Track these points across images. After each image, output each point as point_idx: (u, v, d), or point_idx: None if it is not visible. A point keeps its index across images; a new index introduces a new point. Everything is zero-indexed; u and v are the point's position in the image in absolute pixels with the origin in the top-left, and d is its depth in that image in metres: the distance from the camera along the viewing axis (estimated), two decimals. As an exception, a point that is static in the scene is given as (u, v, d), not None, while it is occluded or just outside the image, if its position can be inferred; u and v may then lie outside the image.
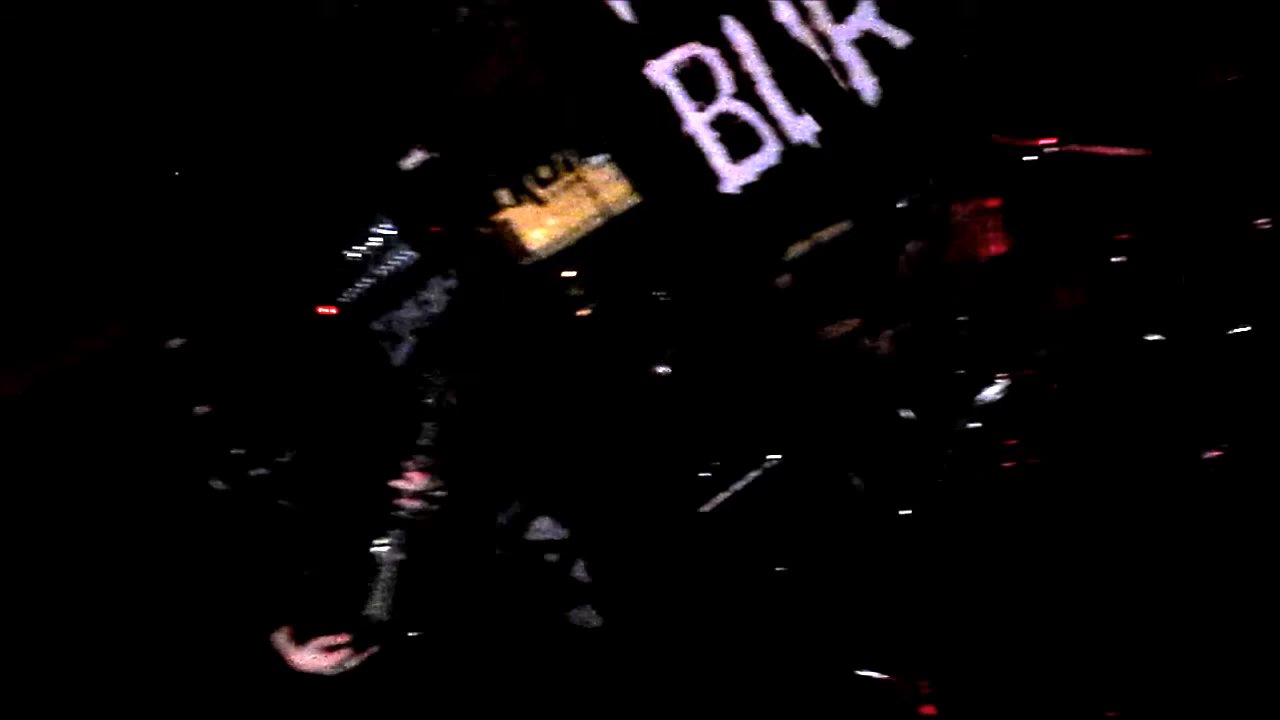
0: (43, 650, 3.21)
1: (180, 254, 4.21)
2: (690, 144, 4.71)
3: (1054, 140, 3.48)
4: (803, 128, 4.57)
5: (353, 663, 2.97)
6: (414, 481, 3.24)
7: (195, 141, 4.35)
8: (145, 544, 3.28)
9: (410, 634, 3.19)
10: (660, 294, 4.55)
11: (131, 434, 3.68)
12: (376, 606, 3.08)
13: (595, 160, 5.09)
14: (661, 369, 4.28)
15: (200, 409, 3.55)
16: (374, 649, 2.99)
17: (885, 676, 3.42)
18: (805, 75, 4.52)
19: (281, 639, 2.96)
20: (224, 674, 3.01)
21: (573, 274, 5.04)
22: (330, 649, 2.93)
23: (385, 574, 3.12)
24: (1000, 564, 3.52)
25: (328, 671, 2.95)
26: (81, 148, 4.16)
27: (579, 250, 5.03)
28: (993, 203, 3.82)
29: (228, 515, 3.38)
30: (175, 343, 3.90)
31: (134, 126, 4.33)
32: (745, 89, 4.61)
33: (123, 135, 4.31)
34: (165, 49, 4.22)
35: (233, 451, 3.51)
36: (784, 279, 4.50)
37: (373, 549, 3.16)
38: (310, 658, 2.93)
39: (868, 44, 4.42)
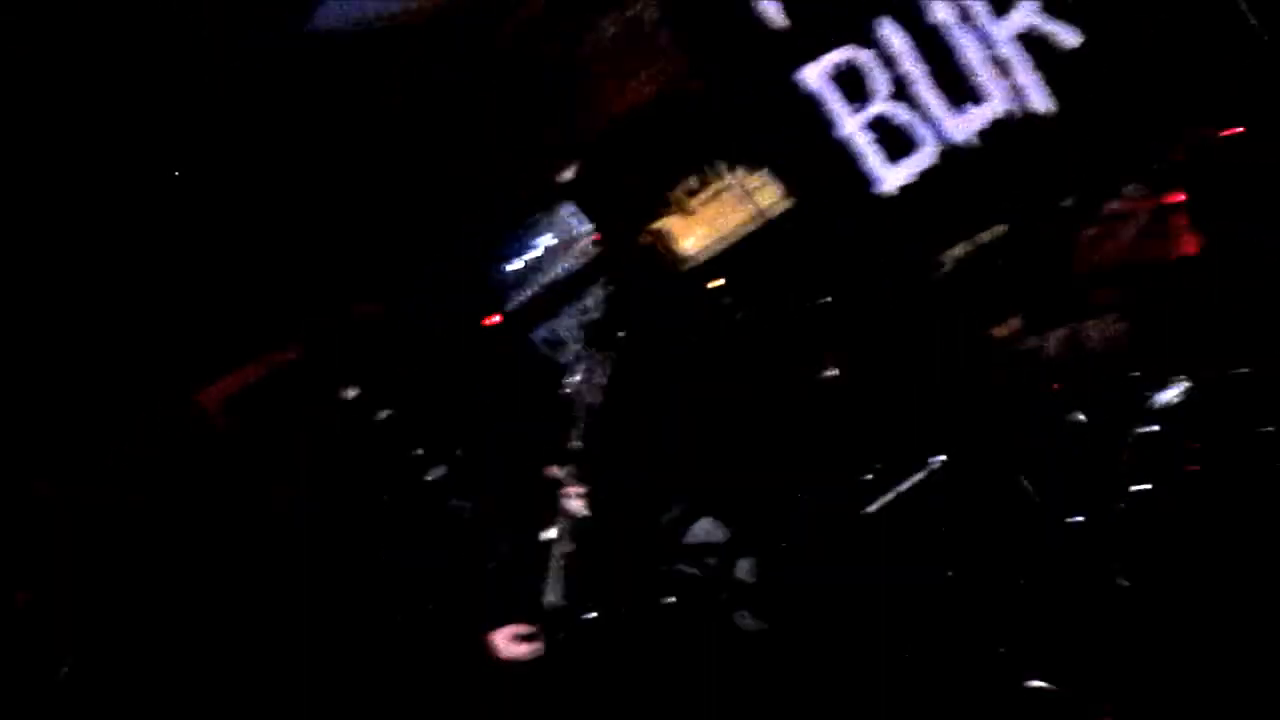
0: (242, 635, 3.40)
1: (356, 270, 4.39)
2: (845, 147, 4.69)
3: (1242, 129, 3.36)
4: (962, 127, 4.51)
5: (540, 649, 3.07)
6: (575, 481, 3.33)
7: (367, 159, 4.53)
8: (336, 542, 3.44)
9: (582, 620, 3.27)
10: (820, 299, 4.55)
11: (318, 441, 3.86)
12: (552, 596, 3.17)
13: (748, 167, 5.13)
14: (829, 372, 4.27)
15: (382, 413, 3.70)
16: (557, 635, 3.08)
17: (1056, 688, 3.35)
18: (964, 75, 4.47)
19: (489, 633, 3.06)
20: (414, 667, 3.13)
21: (724, 281, 5.09)
22: (522, 638, 3.03)
23: (556, 565, 3.21)
24: (1179, 574, 3.41)
25: (524, 658, 3.04)
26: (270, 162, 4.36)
27: (734, 256, 5.07)
28: (1176, 198, 3.70)
29: (411, 515, 3.53)
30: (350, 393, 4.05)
31: (307, 144, 4.53)
32: (902, 90, 4.57)
33: (292, 152, 4.51)
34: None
35: (413, 454, 3.64)
36: (945, 279, 4.45)
37: (543, 539, 3.25)
38: (509, 646, 3.03)
39: (1031, 41, 4.34)
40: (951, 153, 4.56)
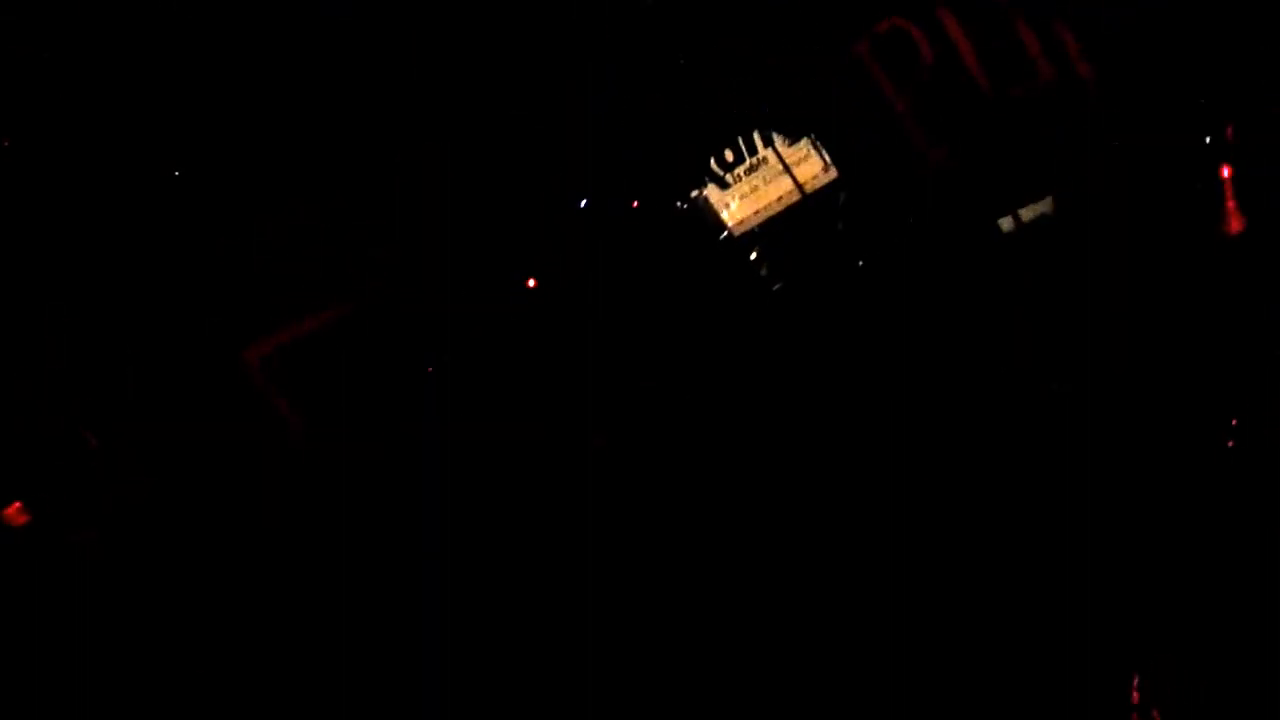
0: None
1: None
2: (890, 119, 4.69)
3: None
4: (1010, 103, 4.53)
5: None
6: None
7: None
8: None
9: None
10: (862, 271, 4.56)
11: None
12: None
13: (788, 139, 5.12)
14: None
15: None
16: None
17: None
18: (1015, 50, 4.48)
19: None
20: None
21: (763, 253, 5.08)
22: None
23: None
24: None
25: None
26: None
27: (773, 228, 5.06)
28: (1226, 172, 3.72)
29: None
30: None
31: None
32: (949, 63, 4.58)
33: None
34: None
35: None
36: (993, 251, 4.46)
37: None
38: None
39: (1084, 18, 4.36)
40: (998, 125, 4.58)
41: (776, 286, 5.07)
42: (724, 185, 5.28)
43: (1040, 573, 3.32)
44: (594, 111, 4.89)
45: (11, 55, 3.86)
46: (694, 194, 5.02)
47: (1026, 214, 4.56)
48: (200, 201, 4.27)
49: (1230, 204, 3.74)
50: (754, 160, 5.26)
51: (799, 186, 5.11)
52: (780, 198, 5.22)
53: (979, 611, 3.31)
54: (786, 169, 5.15)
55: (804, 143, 5.13)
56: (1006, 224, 4.54)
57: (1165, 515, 3.19)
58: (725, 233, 5.16)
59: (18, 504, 3.88)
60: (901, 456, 4.36)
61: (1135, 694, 2.98)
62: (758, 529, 4.41)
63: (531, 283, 4.89)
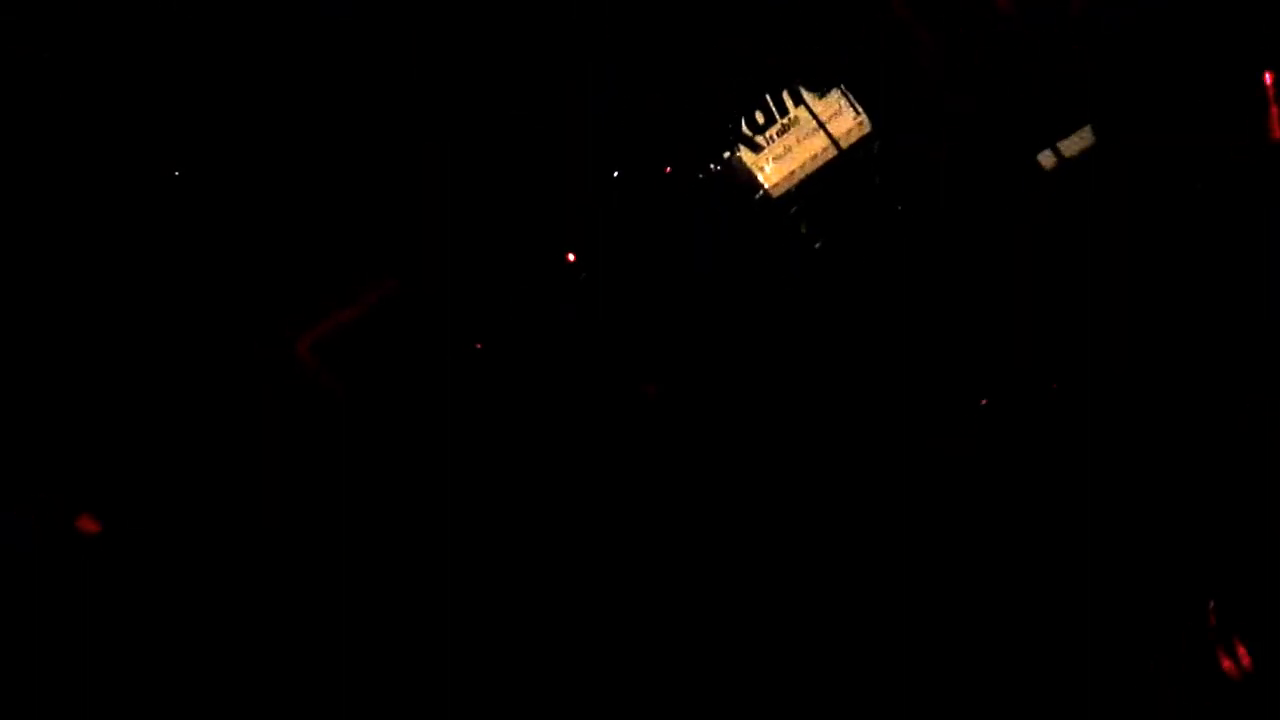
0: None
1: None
2: (923, 71, 4.64)
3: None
4: (1045, 47, 4.46)
5: None
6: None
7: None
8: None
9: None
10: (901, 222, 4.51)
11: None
12: None
13: (822, 94, 5.08)
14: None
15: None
16: None
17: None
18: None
19: None
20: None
21: (801, 211, 5.05)
22: None
23: None
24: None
25: None
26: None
27: (811, 184, 5.03)
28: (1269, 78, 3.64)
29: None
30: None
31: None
32: (982, 12, 4.53)
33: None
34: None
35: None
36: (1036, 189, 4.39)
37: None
38: None
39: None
40: (1029, 68, 4.51)
41: (818, 244, 5.03)
42: (756, 149, 5.25)
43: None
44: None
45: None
46: (726, 155, 4.99)
47: (1067, 148, 4.49)
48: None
49: (1275, 109, 3.66)
50: (785, 121, 5.23)
51: (834, 142, 5.07)
52: (815, 155, 5.18)
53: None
54: (821, 125, 5.11)
55: (834, 95, 5.09)
56: (1048, 160, 4.48)
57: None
58: (761, 194, 5.13)
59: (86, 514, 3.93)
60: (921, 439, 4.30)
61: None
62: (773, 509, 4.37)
63: (571, 257, 4.89)
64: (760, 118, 5.23)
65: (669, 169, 4.88)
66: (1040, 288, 4.26)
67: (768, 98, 5.20)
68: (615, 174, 4.77)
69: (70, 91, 3.99)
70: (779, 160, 5.22)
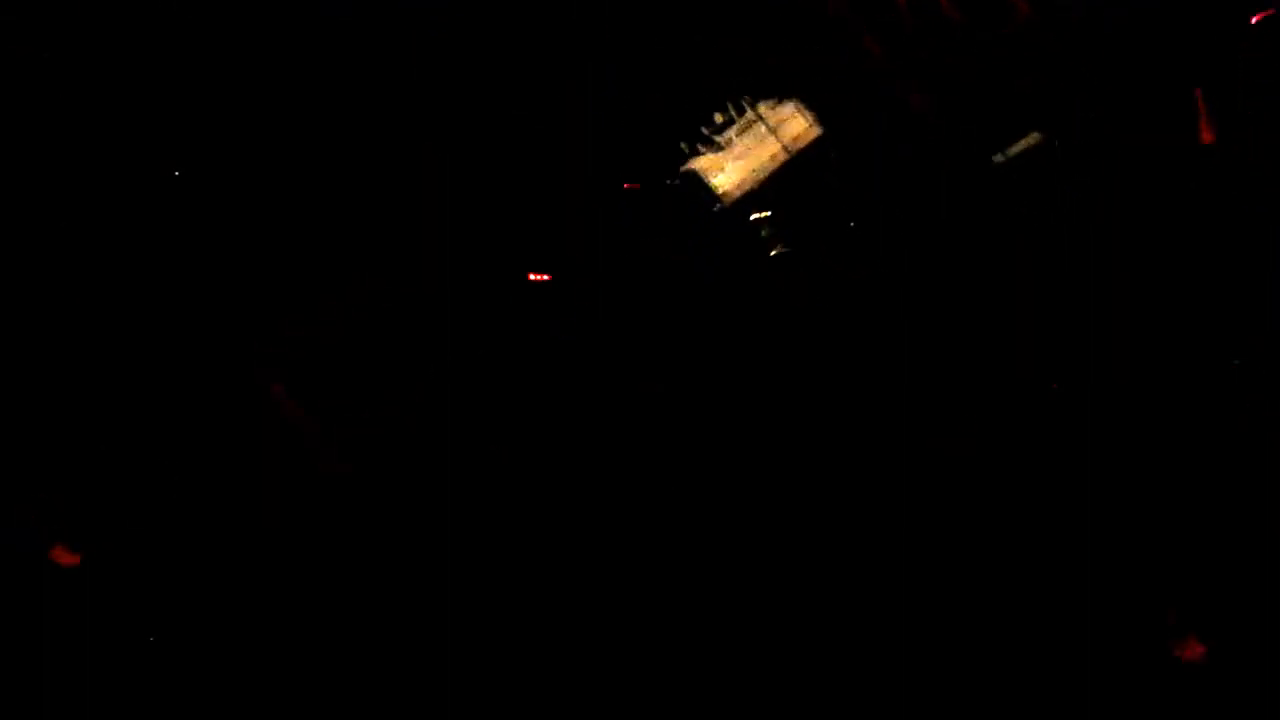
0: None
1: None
2: (871, 73, 4.66)
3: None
4: (994, 48, 4.47)
5: None
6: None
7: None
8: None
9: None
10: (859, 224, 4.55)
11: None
12: None
13: (773, 99, 5.10)
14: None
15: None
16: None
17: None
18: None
19: None
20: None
21: (765, 215, 5.09)
22: None
23: None
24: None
25: None
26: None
27: (768, 190, 5.06)
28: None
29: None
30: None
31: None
32: (928, 9, 4.53)
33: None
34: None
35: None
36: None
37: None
38: None
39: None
40: (980, 67, 4.53)
41: (777, 251, 5.08)
42: (717, 148, 5.27)
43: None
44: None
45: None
46: (681, 168, 5.03)
47: (1014, 149, 4.52)
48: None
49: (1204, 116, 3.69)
50: (744, 121, 5.24)
51: (784, 147, 5.10)
52: (772, 156, 5.21)
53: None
54: (770, 130, 5.14)
55: (790, 101, 5.11)
56: (996, 158, 4.51)
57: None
58: (718, 204, 5.17)
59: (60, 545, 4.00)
60: (910, 432, 4.35)
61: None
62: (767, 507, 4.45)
63: (541, 276, 4.94)
64: (719, 118, 5.25)
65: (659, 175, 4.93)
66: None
67: (726, 100, 5.22)
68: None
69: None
70: (738, 161, 5.26)
